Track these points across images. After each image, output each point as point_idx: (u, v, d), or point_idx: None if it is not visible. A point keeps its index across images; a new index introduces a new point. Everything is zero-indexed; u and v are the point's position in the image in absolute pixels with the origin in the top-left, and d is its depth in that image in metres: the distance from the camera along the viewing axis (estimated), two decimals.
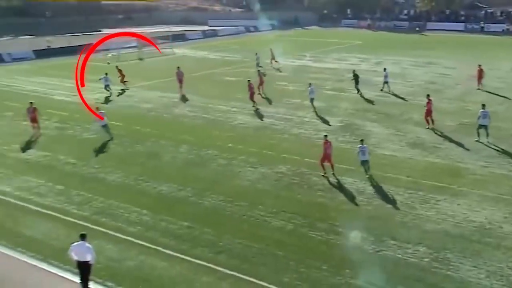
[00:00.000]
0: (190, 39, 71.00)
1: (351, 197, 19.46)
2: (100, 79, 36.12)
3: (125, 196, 19.60)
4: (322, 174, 21.31)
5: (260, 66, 44.41)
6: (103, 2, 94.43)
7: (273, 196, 19.65)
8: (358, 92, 35.99)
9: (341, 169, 21.75)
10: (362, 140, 21.65)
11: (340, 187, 20.37)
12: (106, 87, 36.04)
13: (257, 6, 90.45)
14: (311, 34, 77.34)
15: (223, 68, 47.37)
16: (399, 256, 15.44)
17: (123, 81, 38.16)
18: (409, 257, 15.32)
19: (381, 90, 36.36)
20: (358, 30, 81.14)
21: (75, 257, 13.65)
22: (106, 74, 36.50)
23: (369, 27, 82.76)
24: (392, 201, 19.01)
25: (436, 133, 26.56)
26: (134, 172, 21.95)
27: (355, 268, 14.83)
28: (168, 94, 35.89)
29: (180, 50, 60.07)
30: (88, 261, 13.64)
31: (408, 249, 15.77)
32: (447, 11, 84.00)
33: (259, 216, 17.98)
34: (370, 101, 33.83)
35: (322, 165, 21.39)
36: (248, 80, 33.35)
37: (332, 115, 30.43)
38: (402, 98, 34.48)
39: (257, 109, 31.97)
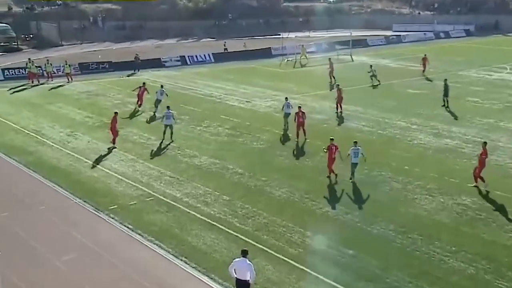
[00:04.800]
0: (371, 45, 70.21)
1: None
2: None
3: (289, 214, 19.96)
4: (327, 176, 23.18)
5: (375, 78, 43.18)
6: (284, 4, 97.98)
7: (452, 231, 18.45)
8: (444, 104, 35.26)
9: None
10: (355, 142, 22.77)
11: None
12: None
13: (450, 9, 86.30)
14: None
15: (405, 78, 45.90)
16: None
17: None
18: None
19: None
20: None
21: (234, 274, 14.08)
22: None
23: None
24: None
25: None
26: (301, 188, 22.26)
27: None
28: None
29: (359, 57, 59.70)
30: (247, 280, 13.88)
31: None
32: None
33: (434, 254, 16.98)
34: None
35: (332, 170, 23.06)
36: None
37: None
38: None
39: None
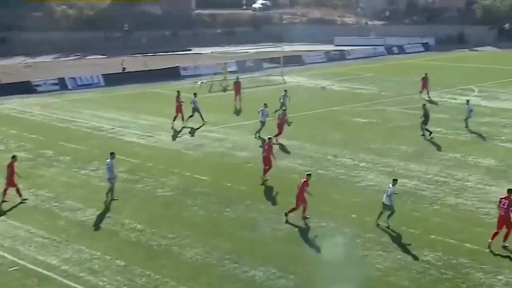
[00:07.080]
0: (308, 63, 72.26)
1: None
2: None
3: (205, 281, 19.89)
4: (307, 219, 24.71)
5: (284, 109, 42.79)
6: (196, 11, 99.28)
7: None
8: (423, 133, 36.96)
9: None
10: (395, 180, 23.98)
11: None
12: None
13: (405, 19, 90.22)
14: (483, 59, 75.60)
15: (351, 104, 47.38)
16: None
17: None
18: None
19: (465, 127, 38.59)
20: None
21: None
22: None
23: None
24: None
25: None
26: (220, 247, 22.29)
27: None
28: None
29: (294, 77, 61.12)
30: None
31: None
32: None
33: None
34: None
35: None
36: None
37: (511, 179, 29.06)
38: None
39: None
